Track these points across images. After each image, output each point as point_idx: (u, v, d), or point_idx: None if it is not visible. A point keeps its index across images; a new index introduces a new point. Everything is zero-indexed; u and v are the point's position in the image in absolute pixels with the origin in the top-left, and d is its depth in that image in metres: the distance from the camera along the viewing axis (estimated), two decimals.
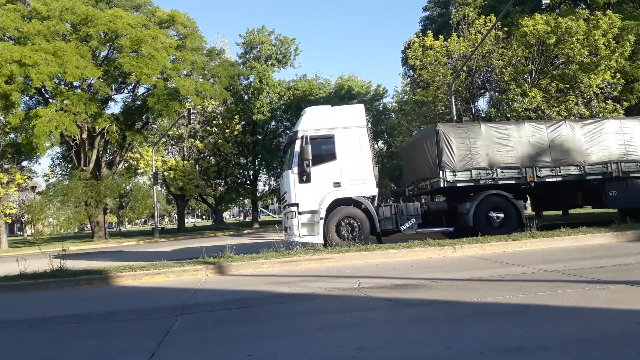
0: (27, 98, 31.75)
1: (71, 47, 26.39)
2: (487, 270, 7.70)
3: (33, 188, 51.33)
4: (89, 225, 40.01)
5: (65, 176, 36.24)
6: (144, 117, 34.55)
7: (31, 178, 40.54)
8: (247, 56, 40.15)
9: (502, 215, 12.32)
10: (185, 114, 33.85)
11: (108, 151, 37.01)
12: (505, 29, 23.48)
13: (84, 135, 31.62)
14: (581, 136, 13.09)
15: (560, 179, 12.94)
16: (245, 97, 40.31)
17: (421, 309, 5.46)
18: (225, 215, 76.38)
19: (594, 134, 13.17)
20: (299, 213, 11.69)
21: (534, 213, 16.59)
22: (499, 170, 12.73)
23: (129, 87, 34.59)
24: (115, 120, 31.62)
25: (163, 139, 38.61)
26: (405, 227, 12.20)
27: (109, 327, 5.62)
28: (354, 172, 11.88)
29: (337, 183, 11.78)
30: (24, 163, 36.49)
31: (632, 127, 13.44)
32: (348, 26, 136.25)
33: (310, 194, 11.69)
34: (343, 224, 11.70)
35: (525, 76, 22.73)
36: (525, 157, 12.83)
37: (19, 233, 62.89)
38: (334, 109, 12.87)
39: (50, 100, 29.38)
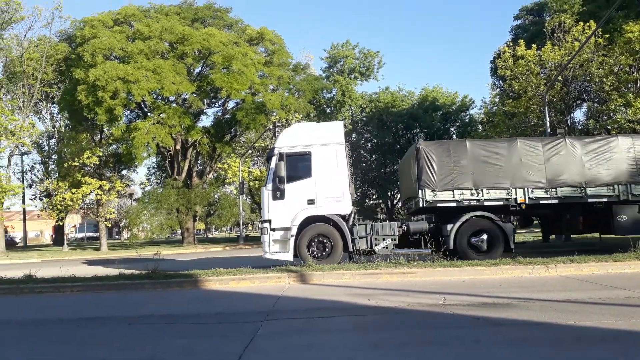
0: (129, 112, 34.51)
1: (168, 64, 28.36)
2: (585, 292, 7.12)
3: (130, 195, 55.53)
4: (179, 231, 42.38)
5: (160, 185, 38.79)
6: (232, 129, 36.17)
7: (129, 186, 43.87)
8: (331, 70, 40.83)
9: (485, 238, 11.38)
10: (271, 127, 34.99)
11: (199, 162, 39.12)
12: (607, 35, 21.92)
13: (178, 147, 33.69)
14: (583, 155, 11.76)
15: (556, 200, 11.70)
16: (328, 110, 40.92)
17: (511, 330, 5.15)
18: None
19: (599, 153, 11.76)
20: (272, 229, 11.60)
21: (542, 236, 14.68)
22: (484, 191, 11.69)
23: (220, 102, 36.45)
24: (206, 133, 33.39)
25: (249, 151, 40.16)
26: (379, 247, 11.71)
27: (198, 328, 5.86)
28: (329, 190, 11.61)
29: (311, 200, 11.56)
30: (124, 172, 39.54)
31: None
32: (434, 37, 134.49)
33: (284, 210, 11.56)
34: (315, 242, 11.45)
35: (629, 85, 21.02)
36: (516, 177, 11.71)
37: (117, 237, 68.05)
38: (313, 126, 12.80)
39: (149, 114, 31.70)
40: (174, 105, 31.35)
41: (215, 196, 36.73)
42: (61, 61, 34.17)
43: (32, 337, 5.86)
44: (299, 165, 11.87)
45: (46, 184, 35.34)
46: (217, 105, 37.54)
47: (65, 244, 34.56)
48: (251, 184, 36.86)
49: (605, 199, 11.66)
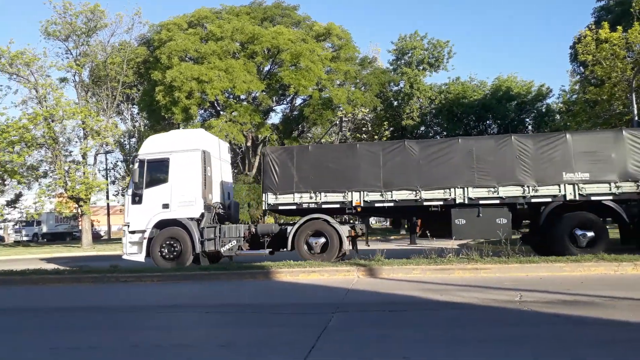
0: (202, 111, 35.97)
1: (239, 63, 29.24)
2: None
3: None
4: None
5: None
6: (300, 126, 36.71)
7: None
8: (399, 62, 40.20)
9: (322, 240, 11.56)
10: (337, 122, 35.14)
11: None
12: None
13: (249, 144, 34.71)
14: (421, 158, 11.62)
15: (391, 204, 11.59)
16: (395, 102, 40.38)
17: (596, 329, 4.87)
18: (371, 220, 77.05)
19: (438, 156, 11.61)
20: (130, 232, 12.26)
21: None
22: (322, 194, 11.83)
23: (288, 99, 37.09)
24: (275, 130, 34.16)
25: None
26: (224, 249, 12.16)
27: (273, 318, 6.05)
28: (183, 194, 12.08)
29: (166, 205, 12.12)
30: None
31: (483, 147, 11.58)
32: (507, 24, 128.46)
33: (141, 214, 12.16)
34: (166, 244, 11.93)
35: None
36: (353, 180, 11.79)
37: None
38: (175, 134, 13.49)
39: (221, 112, 32.88)
40: (245, 103, 32.29)
41: None
42: (140, 64, 36.22)
43: (120, 322, 6.30)
44: (158, 171, 12.49)
45: (127, 180, 37.70)
46: (285, 102, 38.24)
47: None
48: None
49: (441, 202, 11.40)
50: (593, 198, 10.77)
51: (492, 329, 5.13)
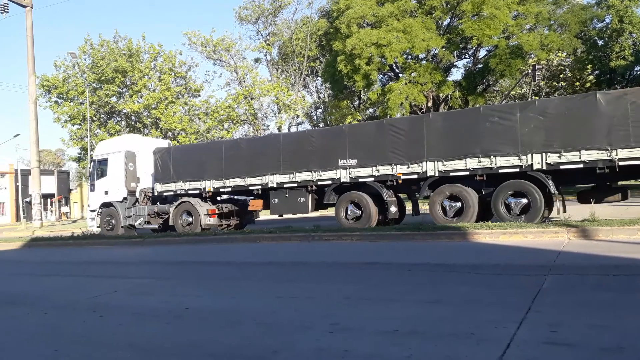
0: (382, 75, 36.15)
1: (417, 22, 28.42)
2: None
3: None
4: None
5: None
6: (485, 79, 34.40)
7: None
8: None
9: (190, 218, 15.28)
10: (529, 71, 31.94)
11: None
12: None
13: (429, 104, 33.85)
14: (248, 152, 14.65)
15: (229, 189, 14.93)
16: (600, 42, 34.96)
17: None
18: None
19: (259, 150, 14.64)
20: (91, 211, 17.84)
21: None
22: (188, 183, 15.55)
23: (470, 52, 34.98)
24: (457, 86, 32.63)
25: (505, 100, 37.62)
26: (137, 224, 16.40)
27: (477, 277, 5.83)
28: (115, 184, 16.77)
29: (106, 192, 17.05)
30: None
31: (288, 141, 14.39)
32: None
33: (94, 198, 17.52)
34: (105, 220, 17.04)
35: None
36: (207, 172, 15.16)
37: None
38: (113, 139, 18.62)
39: (400, 75, 32.60)
40: (424, 62, 31.45)
41: None
42: (322, 37, 37.84)
43: (324, 275, 6.77)
44: (103, 168, 17.22)
45: None
46: (467, 56, 36.17)
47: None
48: None
49: (260, 187, 14.25)
50: (362, 180, 12.74)
51: None
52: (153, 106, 38.37)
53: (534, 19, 29.32)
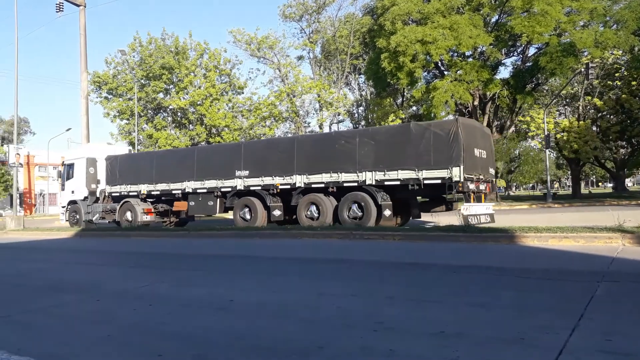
0: (426, 73, 35.55)
1: (464, 18, 27.76)
2: None
3: None
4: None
5: None
6: (534, 78, 33.28)
7: None
8: None
9: (131, 216, 17.98)
10: (582, 70, 30.68)
11: (498, 116, 37.61)
12: None
13: (476, 102, 33.05)
14: (173, 162, 17.85)
15: (158, 192, 17.68)
16: None
17: None
18: (628, 182, 66.32)
19: (179, 160, 17.75)
20: (62, 207, 20.74)
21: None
22: (129, 186, 18.33)
23: (519, 49, 33.92)
24: (505, 85, 31.69)
25: (555, 100, 36.33)
26: (94, 219, 19.17)
27: (525, 282, 5.65)
28: (79, 185, 19.76)
29: (73, 191, 20.05)
30: None
31: (202, 153, 17.43)
32: None
33: (65, 196, 20.55)
34: (72, 214, 19.97)
35: None
36: (141, 178, 18.03)
37: None
38: (81, 147, 22.52)
39: (446, 73, 31.96)
40: (471, 60, 30.70)
41: (516, 152, 34.78)
42: (365, 34, 37.59)
43: (366, 273, 6.74)
44: (71, 171, 20.17)
45: None
46: (515, 53, 35.06)
47: None
48: (558, 136, 33.45)
49: (180, 192, 16.92)
50: (252, 188, 15.34)
51: None
52: (198, 103, 39.27)
53: (588, 15, 28.08)
